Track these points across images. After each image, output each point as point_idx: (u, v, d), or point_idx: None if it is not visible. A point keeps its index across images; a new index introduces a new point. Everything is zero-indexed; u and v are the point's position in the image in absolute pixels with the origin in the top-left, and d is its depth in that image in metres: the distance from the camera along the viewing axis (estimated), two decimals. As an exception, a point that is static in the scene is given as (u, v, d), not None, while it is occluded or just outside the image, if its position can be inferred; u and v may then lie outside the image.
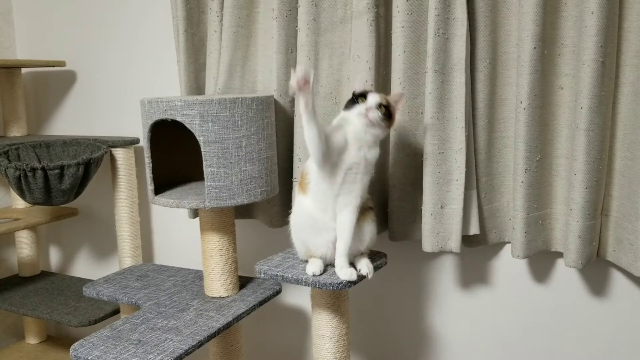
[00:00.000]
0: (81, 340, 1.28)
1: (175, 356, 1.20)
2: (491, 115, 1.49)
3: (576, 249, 1.38)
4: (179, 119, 1.37)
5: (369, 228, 1.35)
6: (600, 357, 1.53)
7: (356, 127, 1.27)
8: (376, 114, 1.25)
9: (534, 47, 1.35)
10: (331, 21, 1.56)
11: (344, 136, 1.26)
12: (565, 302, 1.55)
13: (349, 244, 1.30)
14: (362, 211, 1.34)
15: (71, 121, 2.24)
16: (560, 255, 1.51)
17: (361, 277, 1.33)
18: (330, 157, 1.25)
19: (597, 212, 1.38)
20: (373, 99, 1.26)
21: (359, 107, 1.26)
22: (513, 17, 1.44)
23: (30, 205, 2.15)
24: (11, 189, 2.04)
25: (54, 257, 2.41)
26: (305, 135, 1.21)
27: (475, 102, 1.47)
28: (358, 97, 1.28)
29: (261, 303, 1.51)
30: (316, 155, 1.23)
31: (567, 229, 1.40)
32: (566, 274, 1.54)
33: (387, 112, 1.27)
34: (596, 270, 1.50)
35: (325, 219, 1.31)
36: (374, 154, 1.29)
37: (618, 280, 1.49)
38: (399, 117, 1.41)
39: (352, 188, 1.29)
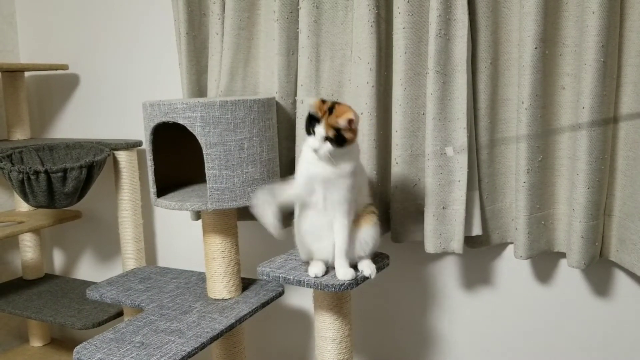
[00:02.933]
0: (84, 342, 1.28)
1: (178, 358, 1.20)
2: (493, 116, 1.49)
3: (579, 250, 1.37)
4: (180, 121, 1.38)
5: (371, 233, 1.34)
6: (604, 357, 1.53)
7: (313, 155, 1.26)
8: (325, 149, 1.21)
9: (536, 47, 1.34)
10: (332, 23, 1.56)
11: (308, 171, 1.27)
12: (569, 302, 1.55)
13: (346, 246, 1.30)
14: (363, 216, 1.34)
15: (74, 124, 2.25)
16: (563, 255, 1.51)
17: (364, 278, 1.32)
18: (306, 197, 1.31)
19: (600, 212, 1.38)
20: (318, 134, 1.21)
21: (310, 142, 1.23)
22: (514, 18, 1.44)
23: (34, 208, 2.15)
24: (15, 193, 2.05)
25: (58, 259, 2.42)
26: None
27: (477, 103, 1.47)
28: (310, 120, 1.23)
29: (264, 305, 1.51)
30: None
31: (569, 229, 1.39)
32: (569, 275, 1.54)
33: (339, 136, 1.21)
34: (599, 270, 1.49)
35: (323, 225, 1.31)
36: (343, 169, 1.25)
37: (621, 281, 1.48)
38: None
39: (334, 197, 1.27)
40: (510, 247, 1.59)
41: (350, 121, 1.20)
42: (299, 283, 1.33)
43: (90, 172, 1.73)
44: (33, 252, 2.20)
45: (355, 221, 1.32)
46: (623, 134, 1.36)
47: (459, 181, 1.46)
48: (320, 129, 1.21)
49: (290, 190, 1.31)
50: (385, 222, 1.59)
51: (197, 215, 1.82)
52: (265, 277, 1.39)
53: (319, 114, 1.22)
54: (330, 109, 1.22)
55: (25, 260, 2.20)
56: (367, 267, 1.33)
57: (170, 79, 1.96)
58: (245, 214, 1.77)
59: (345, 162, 1.25)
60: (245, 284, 1.61)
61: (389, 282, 1.75)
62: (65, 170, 1.67)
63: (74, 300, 1.97)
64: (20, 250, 2.21)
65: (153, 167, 1.49)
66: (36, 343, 2.26)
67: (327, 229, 1.31)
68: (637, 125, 1.31)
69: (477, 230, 1.52)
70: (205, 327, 1.36)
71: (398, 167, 1.53)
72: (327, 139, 1.21)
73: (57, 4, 2.20)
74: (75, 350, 1.25)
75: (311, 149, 1.23)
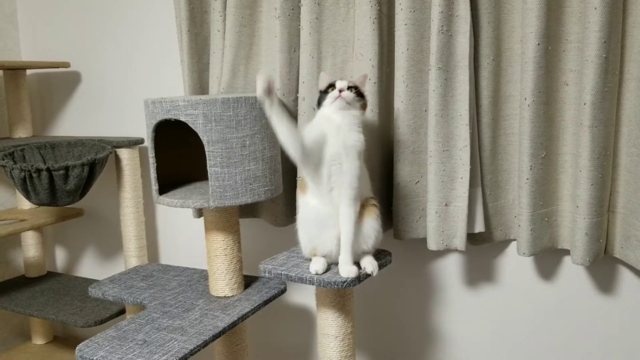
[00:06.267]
0: (87, 340, 1.28)
1: (180, 356, 1.20)
2: (495, 112, 1.48)
3: (583, 246, 1.37)
4: (182, 118, 1.37)
5: (374, 225, 1.34)
6: (608, 355, 1.53)
7: (332, 114, 1.30)
8: (349, 93, 1.30)
9: (538, 44, 1.34)
10: (334, 20, 1.56)
11: (321, 131, 1.29)
12: (572, 299, 1.55)
13: (351, 239, 1.30)
14: (365, 208, 1.34)
15: (76, 122, 2.25)
16: (566, 252, 1.50)
17: (366, 275, 1.32)
18: (311, 154, 1.27)
19: (604, 209, 1.38)
20: (341, 83, 1.32)
21: (332, 93, 1.31)
22: (517, 14, 1.43)
23: (36, 206, 2.15)
24: (17, 190, 2.05)
25: (60, 257, 2.42)
26: (278, 135, 1.24)
27: (479, 99, 1.47)
28: (328, 89, 1.33)
29: (266, 302, 1.51)
30: (294, 152, 1.26)
31: (573, 226, 1.39)
32: (572, 271, 1.53)
33: (358, 92, 1.32)
34: (603, 267, 1.49)
35: (328, 213, 1.31)
36: (354, 138, 1.29)
37: (625, 277, 1.48)
38: (369, 97, 1.47)
39: (341, 180, 1.28)
40: (513, 244, 1.59)
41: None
42: (301, 280, 1.32)
43: (92, 170, 1.73)
44: (35, 250, 2.21)
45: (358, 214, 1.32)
46: (626, 130, 1.35)
47: (462, 178, 1.46)
48: (342, 81, 1.32)
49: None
50: (388, 219, 1.59)
51: (199, 212, 1.82)
52: (267, 274, 1.38)
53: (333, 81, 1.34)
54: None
55: (28, 258, 2.21)
56: (369, 265, 1.33)
57: (172, 76, 1.96)
58: (247, 211, 1.77)
59: (358, 133, 1.31)
60: (248, 281, 1.61)
61: (391, 279, 1.75)
62: (67, 168, 1.67)
63: (76, 298, 1.98)
64: (23, 248, 2.21)
65: (155, 165, 1.49)
66: (39, 341, 2.27)
67: (331, 218, 1.31)
68: None
69: (479, 227, 1.51)
70: (207, 324, 1.36)
71: (400, 164, 1.52)
72: (349, 88, 1.31)
73: (59, 2, 2.19)
74: (77, 348, 1.25)
75: (332, 99, 1.30)
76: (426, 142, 1.50)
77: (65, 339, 2.34)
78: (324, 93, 1.34)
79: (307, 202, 1.35)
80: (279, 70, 1.59)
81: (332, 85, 1.33)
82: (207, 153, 1.38)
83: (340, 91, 1.30)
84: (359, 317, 1.79)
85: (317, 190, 1.32)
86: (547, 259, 1.56)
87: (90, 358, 1.21)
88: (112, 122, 2.15)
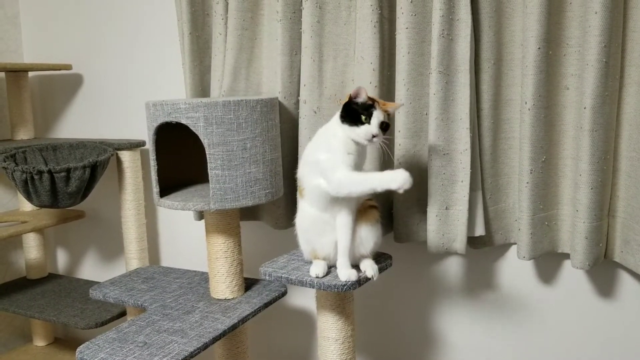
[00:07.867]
0: (87, 342, 1.28)
1: (180, 358, 1.21)
2: (496, 116, 1.48)
3: (583, 250, 1.37)
4: (183, 121, 1.38)
5: (374, 230, 1.34)
6: (607, 358, 1.52)
7: (353, 142, 1.26)
8: (381, 137, 1.24)
9: (539, 48, 1.34)
10: (335, 23, 1.56)
11: (353, 160, 1.26)
12: (572, 303, 1.55)
13: (348, 244, 1.30)
14: (365, 211, 1.34)
15: (77, 124, 2.25)
16: (566, 256, 1.50)
17: (366, 279, 1.32)
18: None
19: (604, 213, 1.38)
20: (377, 118, 1.22)
21: (366, 130, 1.22)
22: (517, 18, 1.44)
23: (37, 208, 2.16)
24: (18, 192, 2.05)
25: (61, 259, 2.42)
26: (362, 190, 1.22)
27: (480, 103, 1.47)
28: (360, 109, 1.23)
29: (267, 305, 1.51)
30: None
31: (573, 230, 1.39)
32: (573, 275, 1.53)
33: (386, 124, 1.26)
34: (603, 271, 1.49)
35: (324, 219, 1.31)
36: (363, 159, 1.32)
37: (625, 281, 1.48)
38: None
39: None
40: (513, 248, 1.59)
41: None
42: (302, 283, 1.32)
43: (94, 172, 1.74)
44: (37, 251, 2.21)
45: (356, 217, 1.32)
46: (626, 134, 1.35)
47: (462, 181, 1.46)
48: (378, 114, 1.23)
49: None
50: (388, 223, 1.59)
51: (200, 215, 1.82)
52: (268, 277, 1.39)
53: (372, 102, 1.24)
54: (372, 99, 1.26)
55: (29, 260, 2.21)
56: (369, 268, 1.33)
57: (174, 79, 1.97)
58: (248, 213, 1.77)
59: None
60: (248, 284, 1.61)
61: (391, 282, 1.75)
62: (68, 170, 1.67)
63: (77, 299, 1.98)
64: (24, 249, 2.22)
65: (156, 167, 1.49)
66: (39, 342, 2.27)
67: (328, 224, 1.31)
68: None
69: (480, 231, 1.51)
70: (207, 327, 1.36)
71: (401, 167, 1.52)
72: (381, 124, 1.23)
73: (61, 4, 2.20)
74: (78, 349, 1.26)
75: (364, 138, 1.22)
76: (427, 146, 1.50)
77: (66, 341, 2.34)
78: (359, 111, 1.23)
79: (304, 206, 1.35)
80: (280, 74, 1.60)
81: (370, 106, 1.23)
82: (208, 156, 1.38)
83: (375, 136, 1.22)
84: (359, 320, 1.79)
85: (316, 200, 1.31)
86: (547, 263, 1.56)
87: (91, 360, 1.22)
88: (114, 124, 2.16)
